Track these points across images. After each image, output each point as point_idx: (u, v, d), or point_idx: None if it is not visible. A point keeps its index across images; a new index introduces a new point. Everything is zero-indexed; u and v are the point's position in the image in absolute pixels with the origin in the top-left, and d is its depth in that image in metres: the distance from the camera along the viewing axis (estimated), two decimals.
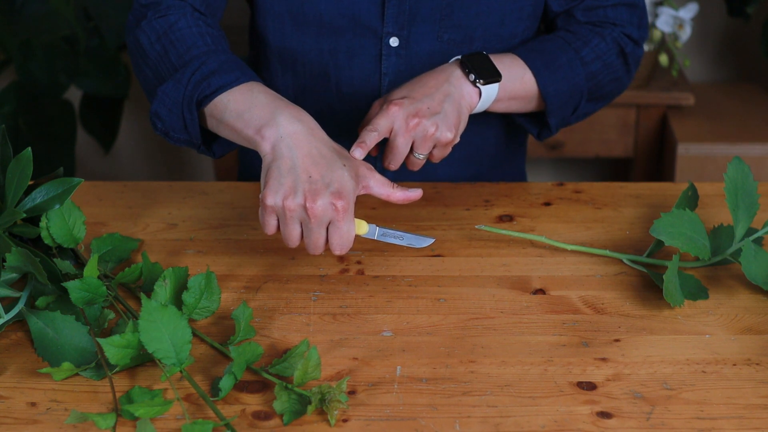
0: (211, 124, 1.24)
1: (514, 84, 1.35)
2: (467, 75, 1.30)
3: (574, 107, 1.42)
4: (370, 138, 1.21)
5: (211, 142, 1.30)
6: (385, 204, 1.39)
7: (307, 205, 1.11)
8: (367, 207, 1.38)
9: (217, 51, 1.26)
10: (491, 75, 1.31)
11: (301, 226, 1.14)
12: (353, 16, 1.39)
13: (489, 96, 1.32)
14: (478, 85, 1.30)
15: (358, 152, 1.20)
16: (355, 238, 1.18)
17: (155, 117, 1.26)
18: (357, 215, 1.35)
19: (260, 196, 1.13)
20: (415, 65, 1.41)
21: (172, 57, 1.27)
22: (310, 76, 1.44)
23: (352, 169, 1.15)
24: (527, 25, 1.43)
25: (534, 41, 1.41)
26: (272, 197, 1.12)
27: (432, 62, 1.41)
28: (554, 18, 1.45)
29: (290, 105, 1.18)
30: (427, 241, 1.21)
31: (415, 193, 1.19)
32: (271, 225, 1.15)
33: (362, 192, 1.17)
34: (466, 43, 1.41)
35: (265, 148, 1.15)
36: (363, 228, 1.19)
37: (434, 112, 1.25)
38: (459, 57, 1.33)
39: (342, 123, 1.46)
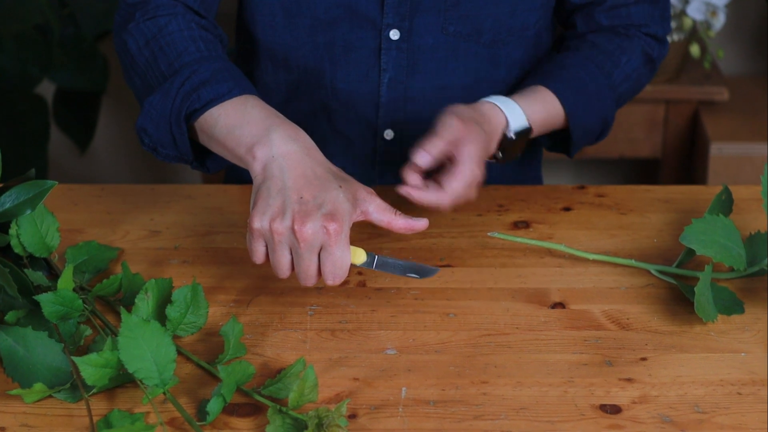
0: (203, 139, 1.24)
1: (539, 133, 1.39)
2: (497, 149, 1.32)
3: (599, 134, 1.45)
4: (434, 149, 1.23)
5: (204, 157, 1.30)
6: None
7: (296, 227, 1.10)
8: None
9: (210, 58, 1.26)
10: (512, 157, 1.35)
11: (292, 253, 1.13)
12: (350, 7, 1.39)
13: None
14: (493, 159, 1.33)
15: (424, 158, 1.21)
16: (351, 268, 1.16)
17: (142, 132, 1.27)
18: (354, 242, 1.35)
19: (248, 220, 1.13)
20: (418, 60, 1.41)
21: (161, 64, 1.27)
22: (303, 73, 1.44)
23: (349, 192, 1.14)
24: (540, 16, 1.43)
25: (563, 65, 1.41)
26: (259, 220, 1.12)
27: (436, 57, 1.41)
28: (572, 12, 1.46)
29: (286, 122, 1.18)
30: (432, 272, 1.21)
31: (419, 223, 1.17)
32: (259, 252, 1.14)
33: (360, 218, 1.15)
34: (474, 36, 1.41)
35: (256, 168, 1.15)
36: (360, 257, 1.17)
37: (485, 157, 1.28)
38: (506, 116, 1.32)
39: (337, 122, 1.46)
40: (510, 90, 1.45)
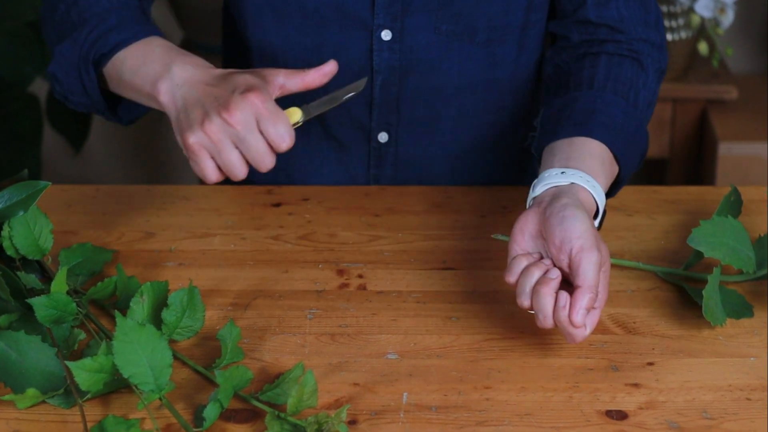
0: (113, 86, 1.28)
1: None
2: None
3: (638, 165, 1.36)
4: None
5: (116, 105, 1.33)
6: (388, 211, 1.39)
7: (225, 116, 1.11)
8: (370, 214, 1.39)
9: (121, 8, 1.29)
10: None
11: (237, 147, 1.12)
12: (339, 7, 1.39)
13: None
14: None
15: (581, 316, 1.09)
16: (296, 131, 1.16)
17: (53, 79, 1.31)
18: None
19: (182, 145, 1.14)
20: (411, 61, 1.41)
21: (72, 15, 1.31)
22: None
23: (255, 74, 1.16)
24: (536, 17, 1.42)
25: (597, 109, 1.30)
26: (191, 134, 1.12)
27: (430, 58, 1.41)
28: (563, 19, 1.42)
29: (187, 55, 1.21)
30: (361, 83, 1.22)
31: (328, 66, 1.19)
32: (209, 167, 1.13)
33: (277, 93, 1.17)
34: (468, 36, 1.41)
35: (164, 101, 1.18)
36: (296, 114, 1.18)
37: None
38: (595, 200, 1.20)
39: (330, 126, 1.46)
40: (508, 92, 1.45)
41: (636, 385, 1.10)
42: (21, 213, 1.19)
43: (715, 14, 2.31)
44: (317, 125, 1.46)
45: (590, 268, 1.10)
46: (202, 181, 2.52)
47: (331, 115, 1.45)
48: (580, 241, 1.11)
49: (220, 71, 1.18)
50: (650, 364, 1.13)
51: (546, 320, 1.10)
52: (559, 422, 1.05)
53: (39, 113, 2.42)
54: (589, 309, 1.09)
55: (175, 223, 1.38)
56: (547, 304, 1.09)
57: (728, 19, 2.31)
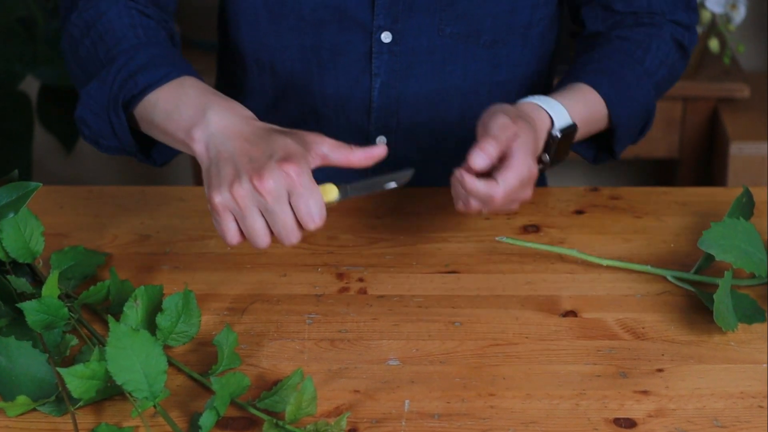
0: (144, 128, 1.24)
1: (583, 136, 1.35)
2: (543, 151, 1.28)
3: (643, 126, 1.42)
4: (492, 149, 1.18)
5: (149, 148, 1.30)
6: (389, 213, 1.39)
7: (256, 183, 1.08)
8: (371, 216, 1.39)
9: (149, 44, 1.26)
10: (560, 159, 1.31)
11: (264, 216, 1.10)
12: (338, 8, 1.39)
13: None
14: (540, 164, 1.28)
15: (481, 159, 1.17)
16: (327, 209, 1.13)
17: (81, 123, 1.27)
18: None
19: (208, 201, 1.11)
20: (412, 64, 1.41)
21: (99, 52, 1.27)
22: (290, 77, 1.44)
23: (297, 138, 1.12)
24: (542, 13, 1.43)
25: (593, 59, 1.39)
26: (218, 193, 1.10)
27: (432, 60, 1.41)
28: (583, 4, 1.44)
29: (222, 98, 1.17)
30: (407, 173, 1.19)
31: (377, 150, 1.15)
32: (231, 230, 1.11)
33: (317, 162, 1.13)
34: (472, 37, 1.41)
35: (198, 150, 1.14)
36: (332, 193, 1.15)
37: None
38: (550, 115, 1.28)
39: (327, 129, 1.46)
40: (515, 94, 1.45)
41: (645, 393, 1.10)
42: (11, 215, 1.19)
43: (726, 10, 2.31)
44: (313, 127, 1.46)
45: (494, 125, 1.19)
46: (197, 183, 2.52)
47: (328, 116, 1.45)
48: (492, 111, 1.22)
49: (260, 125, 1.14)
50: (660, 370, 1.13)
51: (456, 199, 1.19)
52: (565, 430, 1.05)
53: (29, 112, 2.42)
54: (488, 164, 1.16)
55: (170, 225, 1.38)
56: (456, 185, 1.19)
57: (740, 15, 2.31)
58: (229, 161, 1.11)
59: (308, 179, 1.09)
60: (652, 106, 1.41)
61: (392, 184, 1.19)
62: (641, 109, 1.38)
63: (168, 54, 1.25)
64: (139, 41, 1.26)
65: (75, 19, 1.31)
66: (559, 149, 1.30)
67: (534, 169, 1.20)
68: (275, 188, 1.08)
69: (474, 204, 1.18)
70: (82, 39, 1.30)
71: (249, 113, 1.16)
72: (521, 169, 1.18)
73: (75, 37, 1.31)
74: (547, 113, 1.28)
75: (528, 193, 1.21)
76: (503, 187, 1.17)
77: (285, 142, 1.11)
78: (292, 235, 1.10)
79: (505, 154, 1.19)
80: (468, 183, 1.17)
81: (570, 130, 1.29)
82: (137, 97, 1.22)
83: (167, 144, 1.21)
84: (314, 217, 1.09)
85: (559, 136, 1.28)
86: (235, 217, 1.10)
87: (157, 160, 1.32)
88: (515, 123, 1.20)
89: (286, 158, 1.09)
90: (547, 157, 1.29)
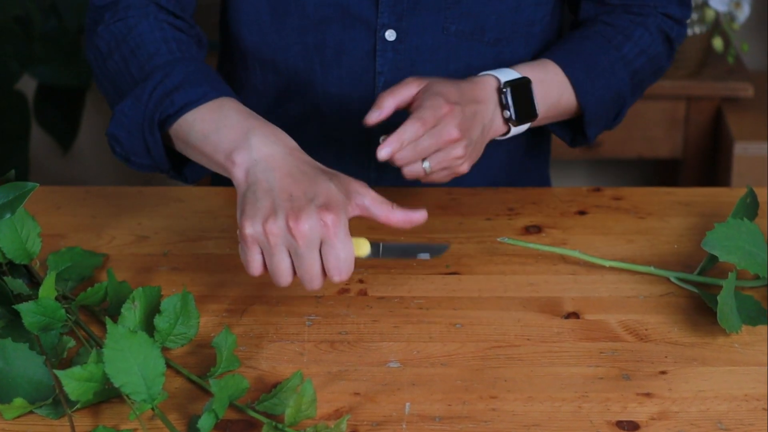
0: (179, 147, 1.24)
1: (550, 107, 1.37)
2: (503, 109, 1.31)
3: (617, 113, 1.44)
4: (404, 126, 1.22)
5: (182, 166, 1.30)
6: None
7: (291, 224, 1.08)
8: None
9: (184, 60, 1.26)
10: (528, 114, 1.33)
11: (291, 256, 1.11)
12: (341, 5, 1.38)
13: (517, 130, 1.34)
14: (510, 124, 1.32)
15: (375, 115, 1.23)
16: (356, 261, 1.14)
17: (113, 140, 1.26)
18: (354, 233, 1.35)
19: (238, 228, 1.12)
20: (416, 62, 1.41)
21: (132, 68, 1.27)
22: (293, 75, 1.44)
23: (340, 185, 1.13)
24: (547, 11, 1.43)
25: (570, 39, 1.42)
26: (251, 225, 1.10)
27: (436, 59, 1.41)
28: (580, 0, 1.45)
29: (265, 124, 1.17)
30: (442, 248, 1.21)
31: (417, 215, 1.15)
32: (255, 261, 1.11)
33: (356, 212, 1.14)
34: (477, 35, 1.41)
35: (237, 175, 1.14)
36: (364, 248, 1.16)
37: (471, 135, 1.25)
38: (497, 77, 1.32)
39: (330, 127, 1.46)
40: None
41: (648, 395, 1.10)
42: (8, 215, 1.19)
43: (730, 8, 2.31)
44: (316, 125, 1.46)
45: (426, 105, 1.23)
46: (197, 183, 2.52)
47: (331, 115, 1.45)
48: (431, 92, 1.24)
49: (305, 159, 1.15)
50: (663, 372, 1.13)
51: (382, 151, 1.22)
52: None
53: (26, 111, 2.42)
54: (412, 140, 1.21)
55: (169, 226, 1.38)
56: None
57: (744, 13, 2.31)
58: (268, 194, 1.11)
59: (344, 231, 1.10)
60: (627, 93, 1.42)
61: (425, 256, 1.20)
62: (614, 94, 1.40)
63: (203, 70, 1.25)
64: (173, 57, 1.26)
65: (102, 31, 1.31)
66: (521, 104, 1.32)
67: (457, 129, 1.23)
68: (309, 234, 1.08)
69: (407, 155, 1.22)
70: (110, 53, 1.29)
71: (293, 143, 1.16)
72: (435, 107, 1.22)
73: (102, 50, 1.30)
74: (494, 76, 1.31)
75: (458, 151, 1.24)
76: (415, 116, 1.21)
77: (328, 187, 1.11)
78: (315, 282, 1.11)
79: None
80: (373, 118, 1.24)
81: (520, 82, 1.32)
82: (173, 117, 1.21)
83: (202, 164, 1.21)
84: (341, 271, 1.10)
85: (505, 87, 1.31)
86: (262, 251, 1.11)
87: (189, 177, 1.31)
88: (449, 106, 1.23)
89: (326, 205, 1.09)
90: (509, 112, 1.31)
